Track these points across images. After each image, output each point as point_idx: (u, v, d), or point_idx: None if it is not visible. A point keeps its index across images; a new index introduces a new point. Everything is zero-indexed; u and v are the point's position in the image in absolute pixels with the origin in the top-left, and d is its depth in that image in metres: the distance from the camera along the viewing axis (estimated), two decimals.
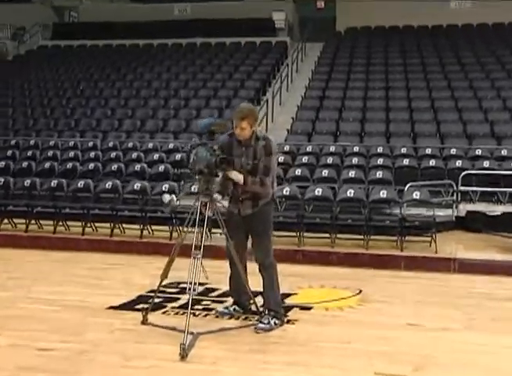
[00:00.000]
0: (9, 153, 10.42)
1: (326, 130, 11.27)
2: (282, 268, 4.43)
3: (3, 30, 20.92)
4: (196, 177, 3.84)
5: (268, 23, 18.71)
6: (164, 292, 4.91)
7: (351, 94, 12.95)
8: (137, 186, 7.78)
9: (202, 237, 3.79)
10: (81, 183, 8.23)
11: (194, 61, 16.34)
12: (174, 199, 3.96)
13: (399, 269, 6.47)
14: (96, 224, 7.89)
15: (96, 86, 15.03)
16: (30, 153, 10.37)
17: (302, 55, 16.60)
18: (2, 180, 8.64)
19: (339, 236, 7.30)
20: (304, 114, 12.09)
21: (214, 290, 5.20)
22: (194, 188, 6.18)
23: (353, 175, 8.65)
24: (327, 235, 7.27)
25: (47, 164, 9.60)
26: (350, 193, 7.56)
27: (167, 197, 3.96)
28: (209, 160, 3.70)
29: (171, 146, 10.33)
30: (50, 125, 12.55)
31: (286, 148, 10.28)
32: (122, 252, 7.06)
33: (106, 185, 8.08)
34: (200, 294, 4.77)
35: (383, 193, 7.51)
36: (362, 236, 7.22)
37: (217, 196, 4.01)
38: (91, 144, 10.73)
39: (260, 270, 4.22)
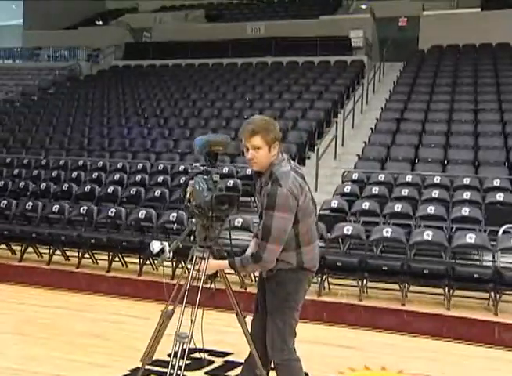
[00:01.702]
0: (74, 175, 9.61)
1: (402, 156, 9.79)
2: (327, 332, 3.11)
3: (79, 51, 21.23)
4: (192, 220, 2.68)
5: (344, 42, 17.58)
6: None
7: (434, 116, 11.40)
8: (173, 216, 6.70)
9: (194, 316, 2.59)
10: (142, 213, 7.21)
11: (263, 81, 15.43)
12: (167, 248, 2.79)
13: (493, 340, 4.92)
14: None
15: (158, 105, 14.40)
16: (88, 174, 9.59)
17: (380, 74, 15.29)
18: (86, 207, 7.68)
19: (412, 288, 5.86)
20: (378, 138, 10.68)
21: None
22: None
23: (432, 212, 7.14)
24: (396, 286, 5.84)
25: (110, 189, 8.70)
26: (427, 235, 6.07)
27: (156, 246, 2.79)
28: (203, 197, 2.53)
29: (225, 170, 9.29)
30: (104, 145, 11.88)
31: (355, 176, 8.91)
32: None
33: (170, 216, 6.95)
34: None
35: (470, 238, 5.96)
36: (442, 291, 5.74)
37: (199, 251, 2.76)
38: (140, 166, 9.85)
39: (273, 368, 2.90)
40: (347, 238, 6.46)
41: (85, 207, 7.44)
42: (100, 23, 25.12)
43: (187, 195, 2.60)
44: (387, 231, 6.18)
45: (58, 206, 7.60)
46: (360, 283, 5.88)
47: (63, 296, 6.05)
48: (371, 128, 11.20)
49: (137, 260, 6.39)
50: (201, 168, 2.65)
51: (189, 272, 2.73)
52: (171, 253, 2.82)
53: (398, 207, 7.31)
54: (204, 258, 2.65)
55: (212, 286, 2.73)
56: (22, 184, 9.18)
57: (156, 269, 5.95)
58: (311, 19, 19.11)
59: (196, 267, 2.71)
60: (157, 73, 17.64)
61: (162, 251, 2.82)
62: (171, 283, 4.59)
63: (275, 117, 12.33)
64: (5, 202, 7.79)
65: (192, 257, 2.72)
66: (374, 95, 14.08)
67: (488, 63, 14.37)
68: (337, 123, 11.45)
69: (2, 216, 7.81)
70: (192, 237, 2.73)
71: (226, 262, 2.73)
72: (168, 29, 21.07)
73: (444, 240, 6.09)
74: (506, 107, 11.31)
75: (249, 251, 2.82)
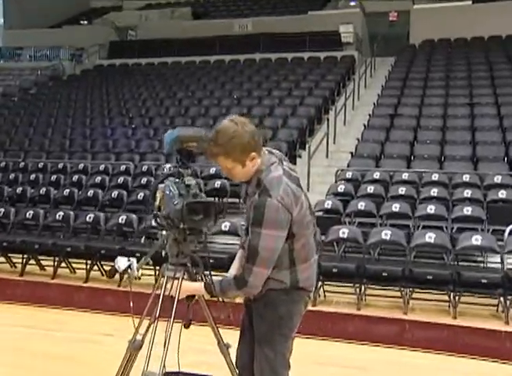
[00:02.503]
0: (53, 178, 9.06)
1: (397, 154, 9.37)
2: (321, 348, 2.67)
3: (62, 51, 20.71)
4: (163, 233, 2.22)
5: (334, 37, 17.18)
6: None
7: (428, 111, 11.00)
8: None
9: (166, 343, 2.13)
10: (122, 218, 6.75)
11: (251, 78, 14.99)
12: (134, 265, 2.33)
13: (504, 354, 4.50)
14: None
15: (144, 104, 13.92)
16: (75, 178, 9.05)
17: (371, 70, 14.90)
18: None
19: (415, 294, 5.43)
20: (371, 135, 10.25)
21: None
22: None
23: (432, 211, 6.71)
24: (398, 294, 5.41)
25: (90, 192, 8.18)
26: (430, 237, 5.64)
27: (122, 263, 2.33)
28: (173, 205, 2.07)
29: (212, 171, 8.82)
30: (86, 146, 11.37)
31: (349, 175, 8.48)
32: None
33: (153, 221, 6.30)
34: None
35: (476, 240, 5.53)
36: (446, 297, 5.32)
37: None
38: (123, 167, 9.36)
39: None
40: (343, 242, 6.02)
41: (62, 213, 6.95)
42: (85, 22, 24.55)
43: (157, 202, 2.14)
44: (385, 233, 5.74)
45: (32, 212, 7.11)
46: (358, 290, 5.44)
47: (35, 312, 5.55)
48: (364, 125, 10.79)
49: None
50: (172, 169, 2.19)
51: (158, 297, 2.27)
52: (140, 271, 2.36)
53: (395, 206, 6.88)
54: (177, 279, 2.19)
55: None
56: None
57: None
58: (300, 14, 18.71)
59: (170, 289, 2.25)
60: (143, 71, 17.16)
61: (129, 268, 2.37)
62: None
63: (265, 114, 11.94)
64: None
65: (164, 277, 2.26)
66: (366, 90, 13.68)
67: (480, 56, 14.01)
68: (328, 120, 11.01)
69: None
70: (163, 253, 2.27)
71: (202, 285, 2.27)
72: (154, 27, 20.58)
73: (447, 243, 5.66)
74: (503, 101, 10.93)
75: (232, 271, 2.37)
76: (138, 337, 2.34)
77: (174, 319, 2.22)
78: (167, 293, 2.25)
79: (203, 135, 2.29)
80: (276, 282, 2.31)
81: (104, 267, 6.29)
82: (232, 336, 2.57)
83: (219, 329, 2.45)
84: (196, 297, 2.36)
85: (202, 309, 2.38)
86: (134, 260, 2.36)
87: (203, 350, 3.71)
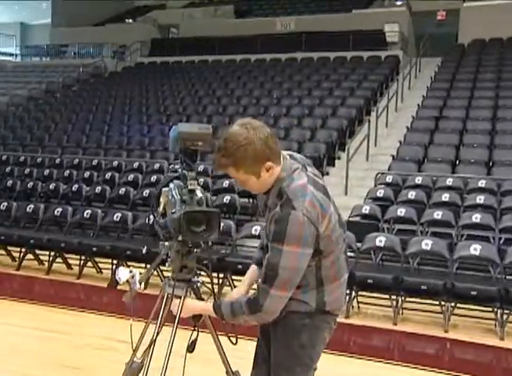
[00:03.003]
0: (87, 175, 8.99)
1: (441, 157, 8.89)
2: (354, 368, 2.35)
3: (105, 48, 20.90)
4: (165, 243, 1.94)
5: (378, 36, 16.67)
6: None
7: (476, 114, 10.45)
8: None
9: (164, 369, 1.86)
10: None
11: (292, 77, 14.65)
12: (137, 277, 2.07)
13: None
14: None
15: (182, 102, 13.79)
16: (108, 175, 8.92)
17: (416, 70, 14.35)
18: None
19: (457, 310, 5.02)
20: (414, 137, 9.79)
21: None
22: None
23: (478, 220, 6.27)
24: (438, 308, 5.01)
25: (122, 190, 8.05)
26: (475, 249, 5.22)
27: (123, 274, 2.08)
28: (170, 213, 1.80)
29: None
30: (122, 143, 11.29)
31: (389, 179, 8.08)
32: None
33: None
34: None
35: None
36: (492, 315, 4.89)
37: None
38: (157, 166, 9.20)
39: None
40: (380, 250, 5.65)
41: (90, 211, 6.81)
42: (130, 21, 24.74)
43: (160, 208, 1.87)
44: (426, 243, 5.34)
45: (61, 209, 6.99)
46: (395, 303, 5.07)
47: (57, 315, 5.36)
48: (407, 127, 10.33)
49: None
50: (179, 170, 1.91)
51: (159, 316, 2.00)
52: (143, 284, 2.10)
53: (437, 214, 6.46)
54: (180, 297, 1.91)
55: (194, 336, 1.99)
56: (31, 184, 8.62)
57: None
58: (344, 13, 18.29)
59: (172, 308, 1.97)
60: (183, 69, 17.05)
61: (132, 279, 2.11)
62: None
63: (304, 114, 11.59)
64: (6, 204, 7.20)
65: (166, 295, 1.98)
66: (410, 91, 13.17)
67: None
68: (369, 121, 10.59)
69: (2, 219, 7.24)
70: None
71: (210, 305, 1.97)
72: (196, 25, 20.53)
73: (495, 255, 5.22)
74: None
75: (241, 289, 2.08)
76: (137, 359, 2.08)
77: (174, 339, 1.94)
78: (170, 312, 1.98)
79: (210, 132, 2.00)
80: (300, 303, 2.01)
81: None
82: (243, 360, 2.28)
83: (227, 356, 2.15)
84: (203, 317, 2.08)
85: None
86: (136, 272, 2.10)
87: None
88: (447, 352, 4.43)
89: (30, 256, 6.62)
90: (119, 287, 2.22)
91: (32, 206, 7.14)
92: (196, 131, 1.94)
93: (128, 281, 2.12)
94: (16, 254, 6.62)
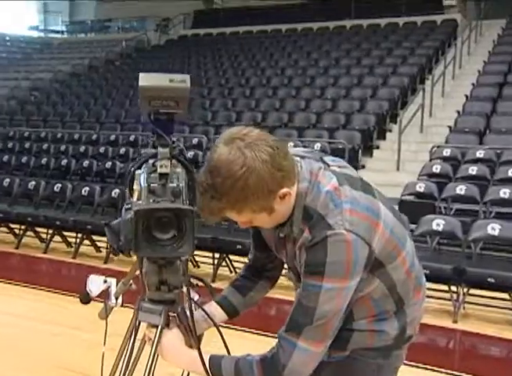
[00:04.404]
0: (123, 151, 8.56)
1: (505, 128, 8.02)
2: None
3: (148, 21, 20.54)
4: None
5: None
6: None
7: None
8: None
9: None
10: None
11: (340, 45, 13.81)
12: (113, 288, 1.55)
13: None
14: None
15: (224, 74, 13.23)
16: None
17: (476, 34, 13.21)
18: None
19: None
20: (474, 107, 8.90)
21: None
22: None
23: None
24: (509, 304, 4.33)
25: None
26: None
27: (95, 285, 1.56)
28: (123, 214, 1.24)
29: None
30: None
31: (446, 152, 7.31)
32: None
33: None
34: None
35: None
36: None
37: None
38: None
39: None
40: (437, 235, 4.97)
41: (117, 191, 6.36)
42: None
43: (134, 198, 1.31)
44: (493, 227, 4.63)
45: (88, 188, 6.58)
46: (455, 296, 4.41)
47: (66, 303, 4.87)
48: (466, 95, 9.43)
49: None
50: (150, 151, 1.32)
51: (130, 349, 1.45)
52: (120, 299, 1.57)
53: (504, 192, 5.69)
54: (157, 327, 1.35)
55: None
56: (65, 162, 8.30)
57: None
58: None
59: (147, 340, 1.42)
60: (226, 41, 16.48)
61: (107, 291, 1.58)
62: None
63: (353, 85, 10.81)
64: (33, 183, 6.86)
65: (138, 322, 1.43)
66: (469, 57, 12.12)
67: None
68: (423, 90, 9.74)
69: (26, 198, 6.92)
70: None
71: (203, 357, 1.33)
72: None
73: None
74: None
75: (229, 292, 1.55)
76: None
77: None
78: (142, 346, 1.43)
79: (185, 87, 1.29)
80: (375, 335, 1.43)
81: None
82: None
83: None
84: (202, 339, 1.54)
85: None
86: (112, 281, 1.57)
87: None
88: None
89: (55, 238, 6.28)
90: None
91: (60, 185, 6.75)
92: (165, 85, 1.29)
93: (101, 294, 1.60)
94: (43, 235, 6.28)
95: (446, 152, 7.31)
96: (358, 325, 1.42)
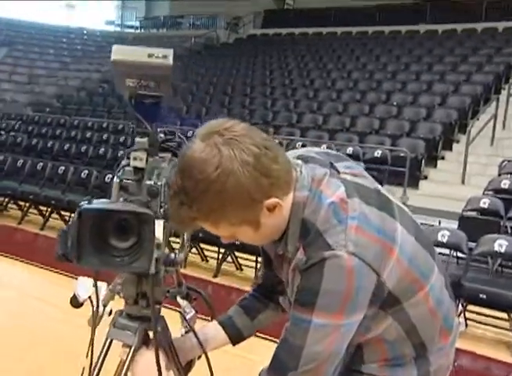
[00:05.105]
0: None
1: None
2: None
3: (219, 19, 20.65)
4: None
5: None
6: None
7: None
8: None
9: None
10: None
11: (411, 51, 13.31)
12: (102, 294, 1.37)
13: None
14: None
15: (289, 75, 13.03)
16: None
17: None
18: None
19: None
20: None
21: None
22: None
23: None
24: None
25: None
26: None
27: (82, 289, 1.39)
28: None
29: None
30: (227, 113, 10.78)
31: None
32: None
33: None
34: None
35: None
36: None
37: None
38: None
39: None
40: (500, 256, 4.55)
41: None
42: None
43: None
44: None
45: None
46: None
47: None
48: None
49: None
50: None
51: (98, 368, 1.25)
52: (110, 305, 1.39)
53: None
54: (129, 347, 1.14)
55: None
56: (120, 153, 8.36)
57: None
58: None
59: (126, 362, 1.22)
60: (295, 41, 16.26)
61: (95, 296, 1.40)
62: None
63: (421, 91, 10.32)
64: (86, 172, 6.87)
65: (108, 340, 1.23)
66: None
67: None
68: (498, 100, 9.15)
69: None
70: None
71: None
72: None
73: None
74: None
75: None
76: None
77: None
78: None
79: (167, 64, 1.03)
80: None
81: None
82: None
83: None
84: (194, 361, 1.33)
85: None
86: (103, 286, 1.39)
87: None
88: None
89: None
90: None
91: (110, 176, 6.75)
92: (142, 61, 1.01)
93: (90, 298, 1.42)
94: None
95: None
96: (367, 369, 1.17)
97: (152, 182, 1.01)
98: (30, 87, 15.60)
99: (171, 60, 1.04)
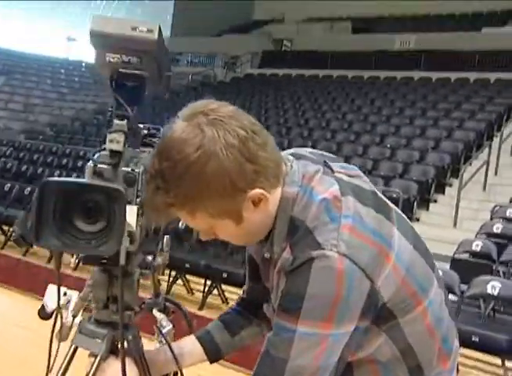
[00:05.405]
0: None
1: None
2: None
3: (217, 58, 20.95)
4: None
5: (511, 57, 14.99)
6: None
7: None
8: None
9: None
10: None
11: (406, 96, 13.49)
12: (72, 302, 1.26)
13: None
14: None
15: (284, 114, 13.13)
16: None
17: None
18: None
19: None
20: None
21: None
22: None
23: None
24: None
25: None
26: None
27: (51, 298, 1.29)
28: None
29: None
30: None
31: (510, 213, 6.75)
32: None
33: None
34: None
35: None
36: None
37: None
38: None
39: None
40: (492, 299, 4.44)
41: None
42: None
43: None
44: None
45: None
46: (511, 374, 3.86)
47: None
48: None
49: None
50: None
51: None
52: (80, 316, 1.27)
53: None
54: (102, 358, 1.03)
55: None
56: None
57: None
58: (472, 31, 16.76)
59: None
60: (291, 82, 16.46)
61: (65, 307, 1.29)
62: None
63: (415, 136, 10.39)
64: None
65: (74, 348, 1.11)
66: None
67: None
68: (490, 146, 9.22)
69: None
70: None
71: None
72: (310, 39, 19.87)
73: None
74: None
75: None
76: None
77: None
78: None
79: (152, 38, 0.94)
80: None
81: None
82: None
83: None
84: None
85: None
86: (73, 294, 1.28)
87: None
88: None
89: None
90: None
91: None
92: (124, 34, 0.91)
93: (59, 309, 1.30)
94: None
95: (510, 212, 6.75)
96: None
97: (129, 169, 0.92)
98: (24, 115, 15.60)
99: (156, 35, 0.95)
